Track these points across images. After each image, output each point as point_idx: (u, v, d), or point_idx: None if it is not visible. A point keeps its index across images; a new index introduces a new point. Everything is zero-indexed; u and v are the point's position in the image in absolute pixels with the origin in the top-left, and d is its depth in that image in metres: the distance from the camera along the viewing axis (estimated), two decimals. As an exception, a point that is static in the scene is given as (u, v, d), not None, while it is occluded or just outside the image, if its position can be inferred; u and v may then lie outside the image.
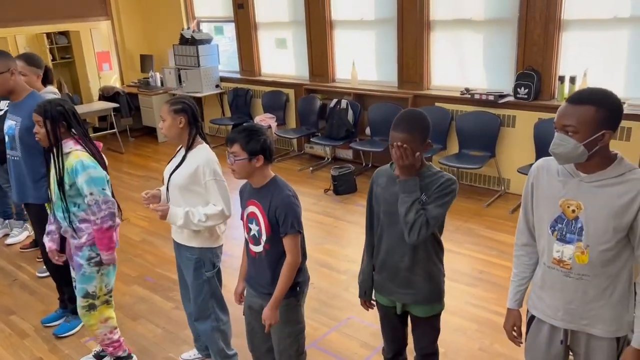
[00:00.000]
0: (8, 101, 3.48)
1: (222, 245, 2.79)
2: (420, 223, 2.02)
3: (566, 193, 1.75)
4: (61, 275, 3.40)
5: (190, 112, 2.59)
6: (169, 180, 2.64)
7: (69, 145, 2.69)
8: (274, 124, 6.79)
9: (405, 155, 2.00)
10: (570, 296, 1.80)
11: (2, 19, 7.22)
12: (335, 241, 4.61)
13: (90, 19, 8.14)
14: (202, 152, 2.61)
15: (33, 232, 4.77)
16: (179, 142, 2.67)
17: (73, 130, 2.72)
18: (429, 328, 2.34)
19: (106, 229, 2.68)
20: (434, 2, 5.51)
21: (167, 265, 4.31)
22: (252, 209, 2.31)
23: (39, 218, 3.34)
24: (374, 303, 2.43)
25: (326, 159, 6.67)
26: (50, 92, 3.59)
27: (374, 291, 2.39)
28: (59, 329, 3.48)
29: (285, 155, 7.01)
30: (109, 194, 2.71)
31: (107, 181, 2.75)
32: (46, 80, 3.75)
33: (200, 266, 2.69)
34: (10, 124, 3.25)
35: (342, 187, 5.58)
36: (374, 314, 3.17)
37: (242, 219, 2.42)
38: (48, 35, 7.73)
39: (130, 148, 7.83)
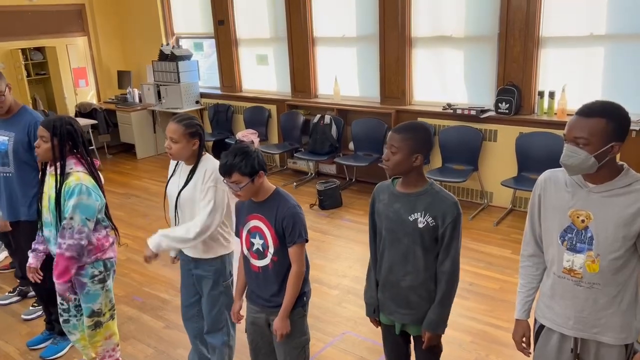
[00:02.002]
0: None
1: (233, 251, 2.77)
2: (454, 274, 2.14)
3: (575, 203, 1.80)
4: (47, 296, 3.30)
5: (203, 133, 2.60)
6: (177, 200, 2.59)
7: (70, 164, 2.63)
8: (256, 140, 6.77)
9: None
10: (581, 305, 1.83)
11: (-25, 34, 7.09)
12: (324, 256, 4.60)
13: (67, 35, 8.03)
14: (210, 161, 2.61)
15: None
16: (184, 160, 2.64)
17: (75, 149, 2.66)
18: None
19: (67, 257, 2.56)
20: (415, 19, 5.62)
21: (155, 284, 4.23)
22: (255, 223, 2.30)
23: (30, 236, 3.19)
24: None
25: (309, 174, 6.67)
26: None
27: None
28: (47, 351, 3.36)
29: (268, 170, 6.97)
30: (90, 227, 2.61)
31: (102, 208, 2.69)
32: None
33: (220, 275, 2.67)
34: (1, 139, 3.18)
35: (328, 201, 5.59)
36: (369, 329, 3.18)
37: (238, 235, 2.40)
38: (23, 51, 7.60)
39: (109, 165, 7.69)
